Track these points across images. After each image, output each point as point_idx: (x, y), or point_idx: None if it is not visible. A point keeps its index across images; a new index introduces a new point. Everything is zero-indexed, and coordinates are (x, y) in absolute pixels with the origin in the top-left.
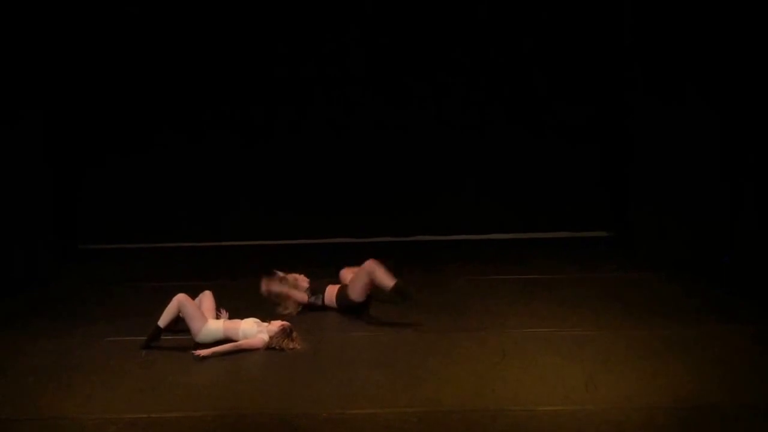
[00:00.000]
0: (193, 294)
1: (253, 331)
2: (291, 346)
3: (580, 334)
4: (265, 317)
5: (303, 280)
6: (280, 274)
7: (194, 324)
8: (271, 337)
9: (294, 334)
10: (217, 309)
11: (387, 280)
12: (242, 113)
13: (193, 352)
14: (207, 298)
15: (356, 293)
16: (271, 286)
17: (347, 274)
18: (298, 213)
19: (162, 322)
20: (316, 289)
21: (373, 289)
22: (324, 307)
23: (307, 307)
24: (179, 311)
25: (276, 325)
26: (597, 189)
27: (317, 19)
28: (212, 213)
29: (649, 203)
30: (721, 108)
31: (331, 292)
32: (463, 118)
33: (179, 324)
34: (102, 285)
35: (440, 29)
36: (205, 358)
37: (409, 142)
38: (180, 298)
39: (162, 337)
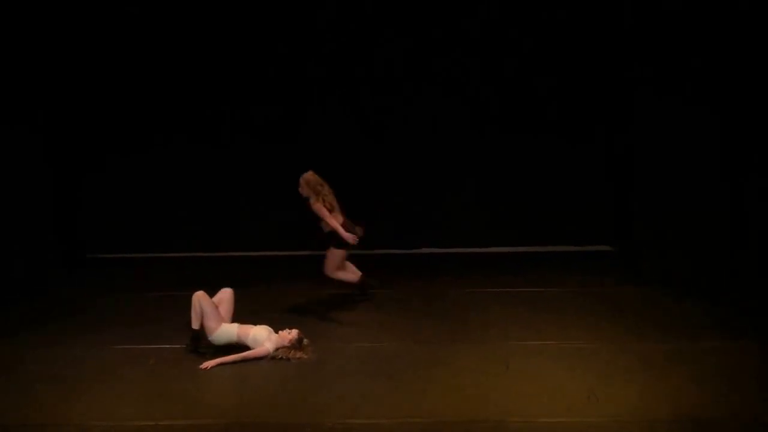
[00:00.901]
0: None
1: (263, 337)
2: (298, 356)
3: (583, 346)
4: (275, 328)
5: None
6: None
7: (210, 323)
8: (278, 348)
9: (305, 342)
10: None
11: None
12: (244, 124)
13: (200, 366)
14: (226, 297)
15: None
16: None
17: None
18: (304, 225)
19: (195, 324)
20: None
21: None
22: None
23: None
24: (200, 308)
25: (284, 335)
26: (601, 204)
27: (317, 22)
28: (216, 223)
29: (652, 219)
30: (724, 123)
31: None
32: (465, 132)
33: (187, 327)
34: (108, 294)
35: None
36: (210, 368)
37: (413, 157)
38: (198, 295)
39: (176, 346)
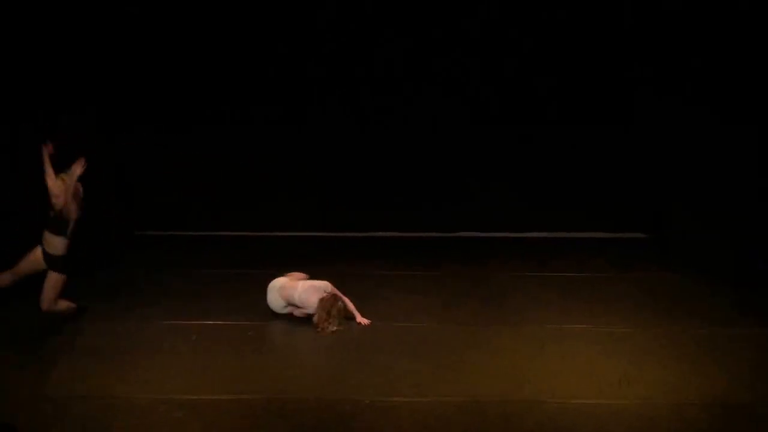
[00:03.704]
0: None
1: (309, 298)
2: (325, 326)
3: (616, 331)
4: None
5: None
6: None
7: None
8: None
9: (333, 311)
10: None
11: None
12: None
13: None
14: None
15: None
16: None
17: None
18: (348, 206)
19: None
20: None
21: None
22: None
23: None
24: None
25: (326, 298)
26: (636, 191)
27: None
28: (263, 203)
29: (686, 206)
30: (758, 110)
31: None
32: (507, 116)
33: (231, 303)
34: (157, 270)
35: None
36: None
37: (454, 141)
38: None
39: (220, 322)
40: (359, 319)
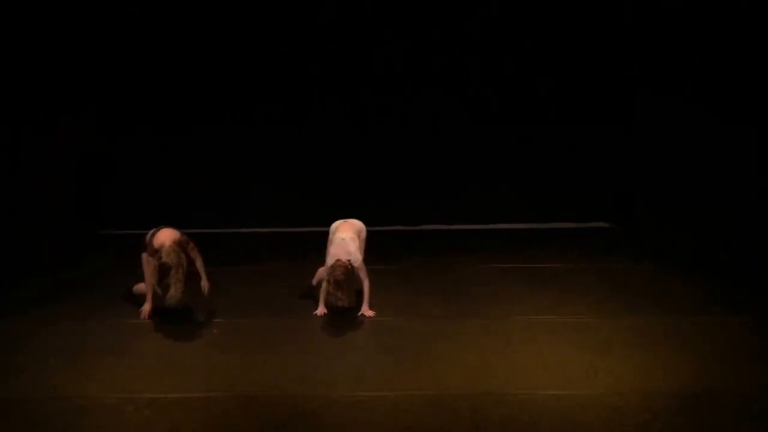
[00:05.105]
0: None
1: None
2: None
3: (582, 321)
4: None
5: None
6: None
7: None
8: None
9: (331, 279)
10: None
11: None
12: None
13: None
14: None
15: None
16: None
17: None
18: (310, 200)
19: None
20: None
21: None
22: None
23: None
24: None
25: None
26: (602, 181)
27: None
28: (231, 200)
29: (653, 196)
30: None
31: None
32: (470, 112)
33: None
34: (122, 269)
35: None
36: None
37: (417, 136)
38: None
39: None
40: (365, 309)
